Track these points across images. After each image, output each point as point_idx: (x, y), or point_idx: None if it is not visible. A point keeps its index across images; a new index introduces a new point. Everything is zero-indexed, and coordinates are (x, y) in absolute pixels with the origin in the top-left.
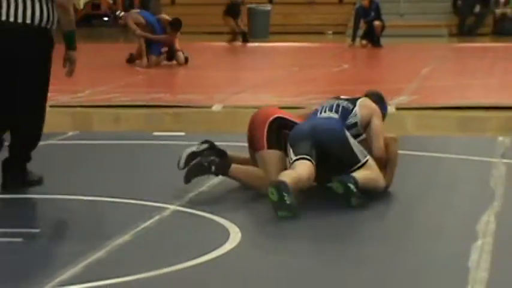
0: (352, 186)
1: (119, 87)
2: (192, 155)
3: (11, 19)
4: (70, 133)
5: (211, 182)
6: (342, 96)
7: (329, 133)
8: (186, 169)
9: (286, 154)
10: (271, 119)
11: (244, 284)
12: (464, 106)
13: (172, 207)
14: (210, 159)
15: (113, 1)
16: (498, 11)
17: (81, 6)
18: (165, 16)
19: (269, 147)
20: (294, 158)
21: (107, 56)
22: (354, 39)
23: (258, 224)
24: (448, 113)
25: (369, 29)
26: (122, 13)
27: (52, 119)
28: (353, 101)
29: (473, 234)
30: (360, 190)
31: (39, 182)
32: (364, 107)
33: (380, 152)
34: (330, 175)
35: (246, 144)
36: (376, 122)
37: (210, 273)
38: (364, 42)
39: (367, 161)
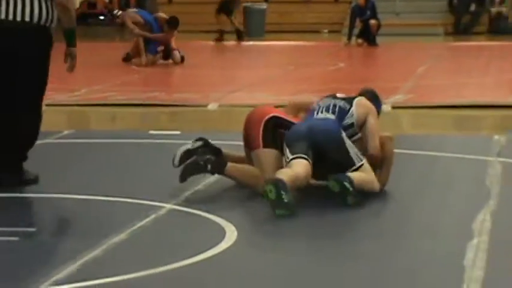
0: (348, 184)
1: (115, 86)
2: (187, 153)
3: (10, 17)
4: (66, 132)
5: (207, 180)
6: (338, 95)
7: (325, 134)
8: (181, 167)
9: (282, 153)
10: (266, 118)
11: (240, 283)
12: (460, 105)
13: (168, 206)
14: (205, 158)
15: (109, 0)
16: (493, 9)
17: (77, 5)
18: (162, 15)
19: (265, 146)
20: (291, 157)
21: (103, 54)
22: (349, 38)
23: (254, 222)
24: (444, 112)
25: (365, 28)
26: (120, 12)
27: (48, 118)
28: (349, 101)
29: (469, 232)
30: (356, 190)
31: (35, 180)
32: (360, 106)
33: (375, 150)
34: (325, 175)
35: (242, 143)
36: (372, 120)
37: (206, 272)
38: (360, 41)
39: (362, 164)
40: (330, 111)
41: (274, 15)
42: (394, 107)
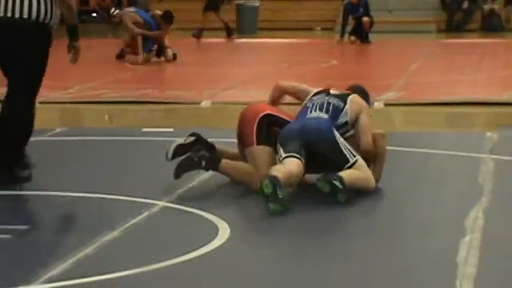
0: (337, 183)
1: (108, 83)
2: (180, 147)
3: (9, 14)
4: (59, 129)
5: (200, 178)
6: (331, 91)
7: (317, 133)
8: (175, 164)
9: (275, 151)
10: (260, 115)
11: (233, 280)
12: (453, 102)
13: (161, 203)
14: (200, 154)
15: None
16: (486, 7)
17: None
18: (157, 12)
19: (258, 144)
20: (284, 155)
21: (96, 52)
22: (342, 35)
23: (247, 220)
24: (436, 109)
25: (358, 25)
26: (117, 11)
27: (41, 115)
28: (343, 99)
29: (462, 230)
30: (347, 188)
31: (27, 178)
32: (354, 103)
33: (368, 146)
34: (319, 173)
35: (235, 140)
36: (364, 117)
37: (199, 270)
38: (352, 38)
39: (356, 161)
40: (324, 109)
41: (267, 12)
42: (386, 104)
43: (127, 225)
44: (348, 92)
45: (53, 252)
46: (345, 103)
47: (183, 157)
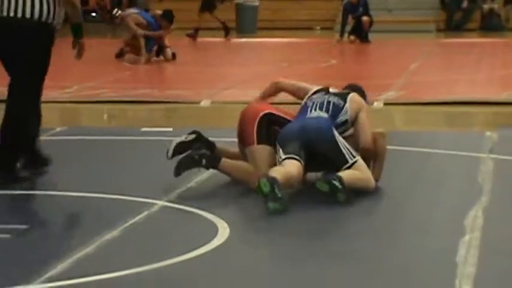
0: (336, 182)
1: (107, 83)
2: (181, 145)
3: (11, 14)
4: (58, 129)
5: (200, 177)
6: (331, 90)
7: (317, 132)
8: (175, 162)
9: (275, 150)
10: (261, 114)
11: (232, 280)
12: (452, 101)
13: (160, 203)
14: (200, 153)
15: None
16: (485, 6)
17: None
18: (158, 11)
19: (259, 143)
20: (284, 156)
21: (95, 51)
22: (342, 35)
23: (246, 219)
24: (436, 109)
25: (357, 25)
26: (119, 12)
27: None
28: (343, 97)
29: (461, 229)
30: (346, 187)
31: (27, 178)
32: (354, 102)
33: (367, 144)
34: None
35: (234, 140)
36: (364, 116)
37: (198, 269)
38: (352, 37)
39: (355, 161)
40: (324, 109)
41: (266, 12)
42: (386, 104)
43: (126, 224)
44: (347, 91)
45: (52, 252)
46: (345, 101)
47: (184, 155)
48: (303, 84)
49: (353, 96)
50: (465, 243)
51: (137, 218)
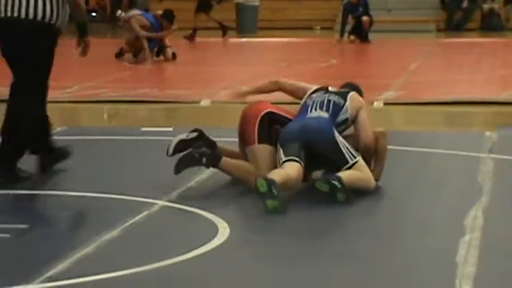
0: (336, 182)
1: (107, 83)
2: (182, 143)
3: (15, 14)
4: (58, 129)
5: (200, 177)
6: (330, 88)
7: (318, 132)
8: (176, 160)
9: (276, 149)
10: (262, 113)
11: (232, 279)
12: (452, 101)
13: (160, 202)
14: (201, 151)
15: None
16: (486, 6)
17: None
18: (159, 12)
19: (260, 142)
20: (284, 158)
21: (95, 51)
22: (342, 35)
23: (246, 219)
24: (436, 108)
25: (357, 25)
26: (122, 14)
27: None
28: (343, 96)
29: (461, 229)
30: (346, 187)
31: (27, 177)
32: (354, 101)
33: (368, 141)
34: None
35: (234, 139)
36: (364, 114)
37: (198, 269)
38: (352, 37)
39: (356, 162)
40: (324, 108)
41: (266, 11)
42: (385, 104)
43: (126, 224)
44: (347, 89)
45: (52, 251)
46: (345, 100)
47: (184, 153)
48: (302, 84)
49: (353, 95)
50: (465, 243)
51: (137, 217)
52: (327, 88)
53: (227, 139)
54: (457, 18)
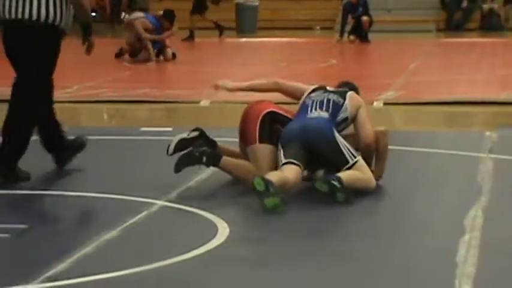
0: (335, 182)
1: (107, 83)
2: (182, 142)
3: (19, 16)
4: None
5: (200, 177)
6: (328, 88)
7: (318, 132)
8: (176, 158)
9: (277, 149)
10: (263, 113)
11: (232, 279)
12: (452, 101)
13: (160, 202)
14: (201, 150)
15: None
16: (485, 6)
17: None
18: (159, 12)
19: (261, 142)
20: (284, 161)
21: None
22: (341, 35)
23: (246, 219)
24: (436, 108)
25: (357, 25)
26: (126, 16)
27: None
28: (342, 95)
29: (461, 229)
30: (345, 187)
31: (26, 177)
32: (353, 99)
33: (368, 139)
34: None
35: (234, 139)
36: (364, 112)
37: (198, 269)
38: (352, 37)
39: (356, 162)
40: (324, 107)
41: (266, 11)
42: (385, 104)
43: (126, 224)
44: (345, 89)
45: (51, 251)
46: (344, 99)
47: (184, 152)
48: (300, 85)
49: (352, 94)
50: (465, 243)
51: (137, 217)
52: (326, 87)
53: (227, 139)
54: (457, 18)
